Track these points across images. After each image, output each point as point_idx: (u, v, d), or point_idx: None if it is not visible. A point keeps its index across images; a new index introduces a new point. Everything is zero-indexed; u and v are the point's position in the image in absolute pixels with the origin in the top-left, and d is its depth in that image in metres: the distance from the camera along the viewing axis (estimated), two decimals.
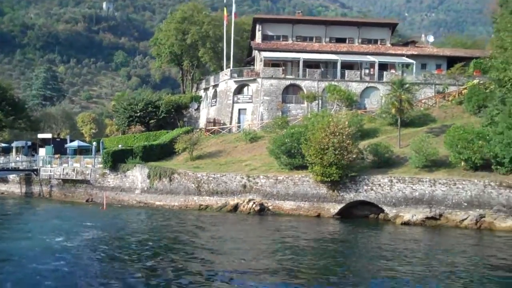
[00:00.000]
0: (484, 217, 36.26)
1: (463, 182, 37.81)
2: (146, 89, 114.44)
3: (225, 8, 67.50)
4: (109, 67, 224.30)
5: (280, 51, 64.37)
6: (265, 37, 68.42)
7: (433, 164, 40.73)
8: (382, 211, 39.94)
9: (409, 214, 38.06)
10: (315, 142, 40.49)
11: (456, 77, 57.23)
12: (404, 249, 27.63)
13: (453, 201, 37.70)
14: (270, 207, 42.58)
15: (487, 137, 38.27)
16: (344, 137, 40.12)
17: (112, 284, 18.92)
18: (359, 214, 41.17)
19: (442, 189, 38.18)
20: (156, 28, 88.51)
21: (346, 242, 30.66)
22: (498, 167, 38.04)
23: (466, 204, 37.26)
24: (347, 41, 68.26)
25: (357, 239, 31.93)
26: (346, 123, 41.43)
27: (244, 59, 74.16)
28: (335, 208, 40.90)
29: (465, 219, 36.54)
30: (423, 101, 57.73)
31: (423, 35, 78.19)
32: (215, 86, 66.47)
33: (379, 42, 68.67)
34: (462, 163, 39.22)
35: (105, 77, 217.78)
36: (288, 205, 42.35)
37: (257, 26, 69.12)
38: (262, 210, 42.22)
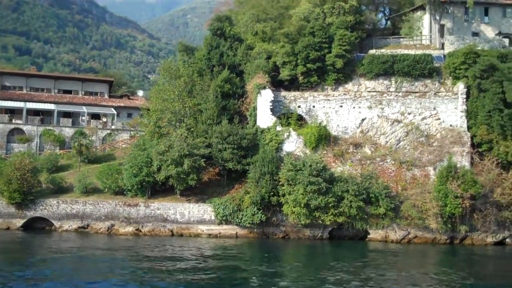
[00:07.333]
0: (114, 225, 55.52)
1: (103, 203, 56.81)
2: None
3: None
4: None
5: (13, 100, 79.41)
6: (3, 87, 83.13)
7: (93, 190, 59.20)
8: (53, 224, 57.28)
9: (67, 225, 56.09)
10: (5, 174, 56.83)
11: (133, 125, 77.14)
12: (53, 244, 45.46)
13: (97, 215, 56.44)
14: None
15: (122, 172, 57.80)
16: (25, 171, 56.94)
17: None
18: (39, 226, 57.83)
19: (90, 208, 56.77)
20: None
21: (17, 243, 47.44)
22: (128, 192, 57.68)
23: (104, 217, 56.21)
24: (72, 93, 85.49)
25: (28, 242, 49.10)
26: (27, 161, 58.13)
27: None
28: (19, 222, 57.21)
29: (102, 227, 55.47)
30: (117, 143, 76.74)
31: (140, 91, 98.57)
32: None
33: (99, 95, 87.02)
34: (106, 190, 58.31)
35: None
36: None
37: None
38: None
